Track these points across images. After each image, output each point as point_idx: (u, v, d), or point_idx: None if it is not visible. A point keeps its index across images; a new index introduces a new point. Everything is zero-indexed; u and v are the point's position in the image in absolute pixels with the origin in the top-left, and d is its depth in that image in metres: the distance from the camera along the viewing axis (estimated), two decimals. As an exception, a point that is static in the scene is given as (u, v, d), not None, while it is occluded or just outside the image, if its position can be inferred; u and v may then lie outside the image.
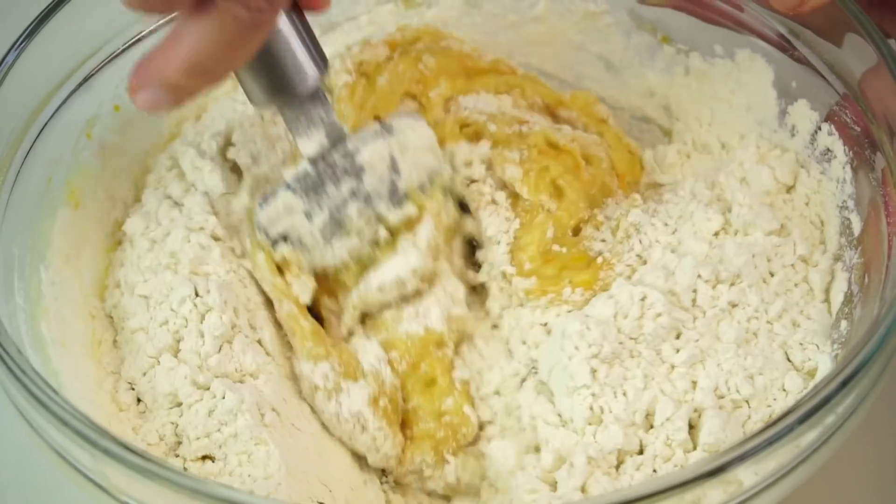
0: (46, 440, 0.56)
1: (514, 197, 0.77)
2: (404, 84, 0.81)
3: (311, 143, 0.72)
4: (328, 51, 0.88)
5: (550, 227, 0.75)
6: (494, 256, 0.75)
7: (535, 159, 0.77)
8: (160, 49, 0.59)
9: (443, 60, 0.82)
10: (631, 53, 0.87)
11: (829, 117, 0.74)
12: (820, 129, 0.75)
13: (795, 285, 0.72)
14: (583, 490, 0.62)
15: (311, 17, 0.87)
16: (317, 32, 0.87)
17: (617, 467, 0.63)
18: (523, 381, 0.72)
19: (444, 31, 0.85)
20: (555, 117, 0.84)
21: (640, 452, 0.64)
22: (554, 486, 0.63)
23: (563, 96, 0.84)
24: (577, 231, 0.76)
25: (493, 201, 0.77)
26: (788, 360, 0.68)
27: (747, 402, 0.66)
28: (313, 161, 0.72)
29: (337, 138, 0.72)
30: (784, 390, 0.66)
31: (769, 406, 0.65)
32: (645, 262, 0.73)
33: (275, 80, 0.67)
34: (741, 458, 0.52)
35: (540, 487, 0.63)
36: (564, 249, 0.75)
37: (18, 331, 0.64)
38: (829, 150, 0.74)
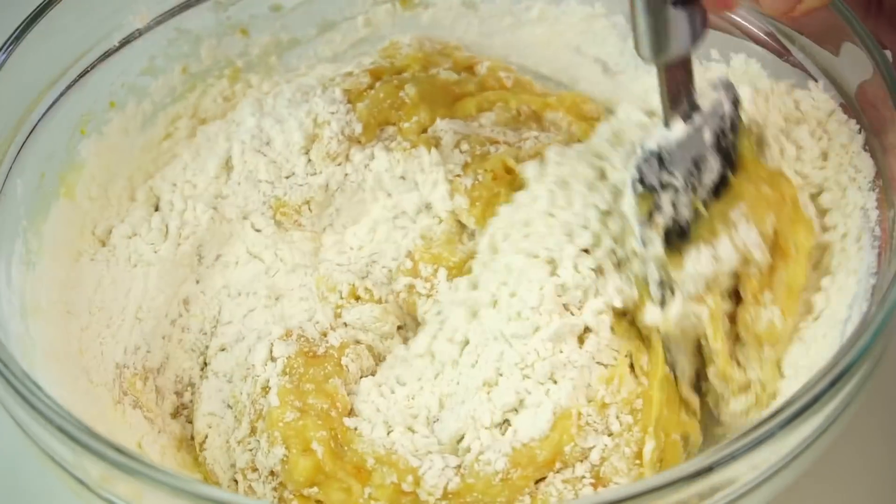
0: (31, 436, 0.56)
1: (459, 225, 0.78)
2: (383, 111, 0.81)
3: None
4: (320, 54, 0.89)
5: None
6: None
7: (487, 185, 0.77)
8: None
9: (426, 89, 0.82)
10: (627, 56, 0.86)
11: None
12: (814, 136, 0.75)
13: None
14: None
15: (308, 17, 0.88)
16: (313, 32, 0.88)
17: None
18: None
19: (434, 58, 0.85)
20: (540, 122, 0.84)
21: None
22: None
23: (548, 99, 0.84)
24: None
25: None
26: None
27: None
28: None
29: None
30: None
31: None
32: None
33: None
34: (726, 460, 0.51)
35: None
36: None
37: (7, 326, 0.64)
38: (822, 158, 0.74)
